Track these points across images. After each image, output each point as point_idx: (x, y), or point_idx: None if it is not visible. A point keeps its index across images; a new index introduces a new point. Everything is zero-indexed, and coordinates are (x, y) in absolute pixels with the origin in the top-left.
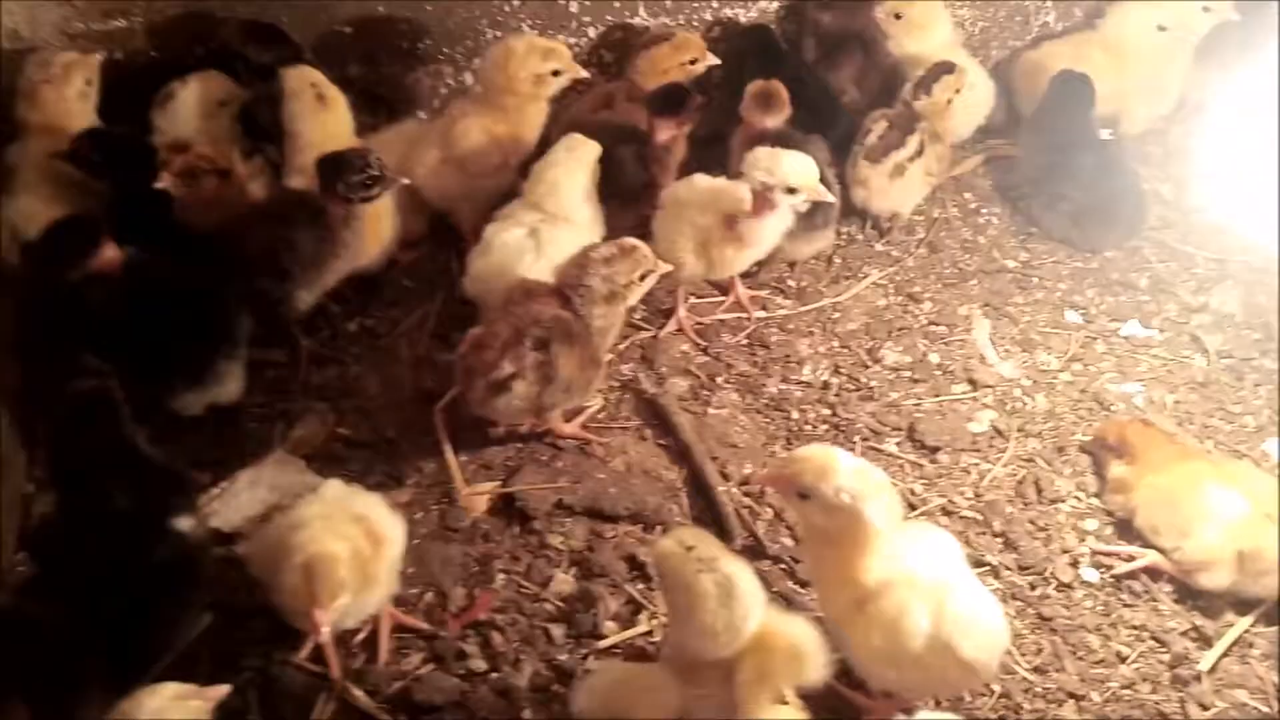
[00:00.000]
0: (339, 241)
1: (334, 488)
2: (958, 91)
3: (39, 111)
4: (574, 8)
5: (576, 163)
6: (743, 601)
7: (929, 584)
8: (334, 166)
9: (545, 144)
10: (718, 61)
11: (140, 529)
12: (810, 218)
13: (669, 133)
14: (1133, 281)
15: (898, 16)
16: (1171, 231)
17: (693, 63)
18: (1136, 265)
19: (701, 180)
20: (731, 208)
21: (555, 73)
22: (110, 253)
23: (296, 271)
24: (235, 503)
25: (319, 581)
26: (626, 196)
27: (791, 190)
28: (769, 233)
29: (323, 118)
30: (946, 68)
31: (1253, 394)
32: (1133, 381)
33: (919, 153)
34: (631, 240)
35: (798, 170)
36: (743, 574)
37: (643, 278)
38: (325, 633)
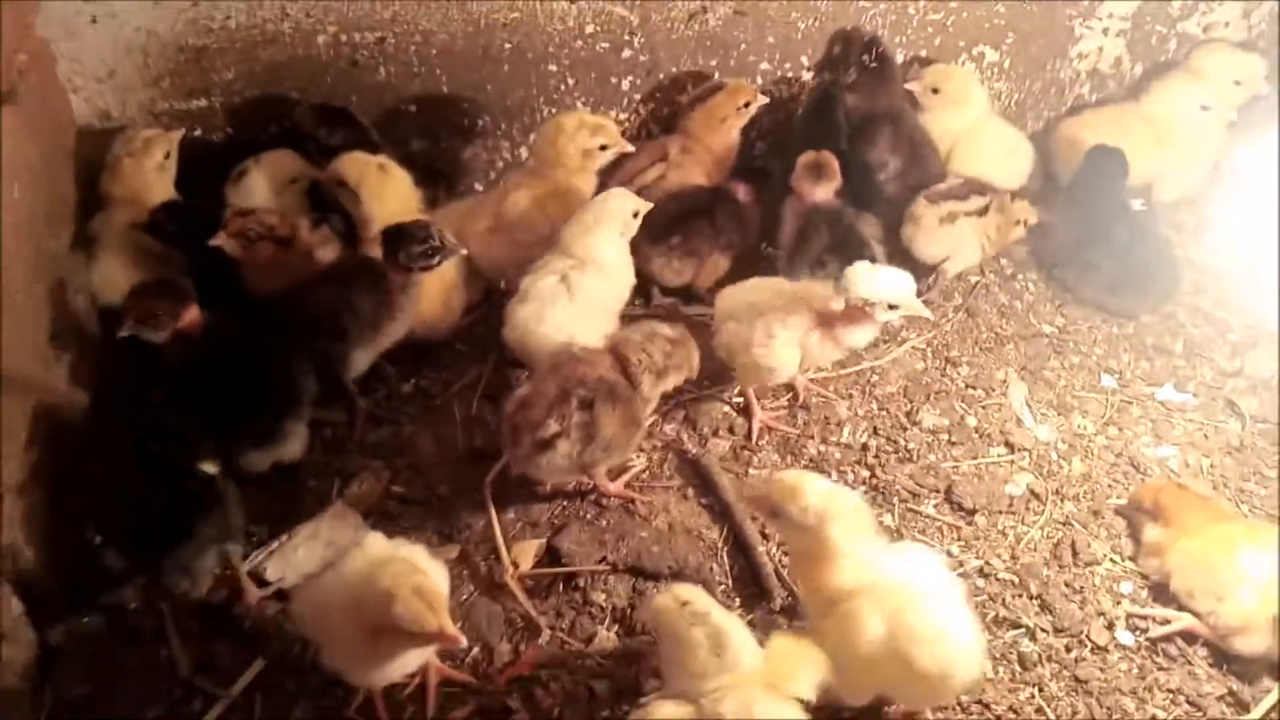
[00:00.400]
0: (396, 306)
1: (377, 541)
2: (1024, 224)
3: (120, 183)
4: (625, 85)
5: (606, 213)
6: (732, 651)
7: (893, 594)
8: (396, 237)
9: None
10: (767, 100)
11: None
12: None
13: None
14: (1168, 346)
15: (935, 91)
16: (1205, 297)
17: (746, 105)
18: (1171, 330)
19: (769, 283)
20: (822, 307)
21: (603, 147)
22: (195, 314)
23: (354, 333)
24: (293, 558)
25: (435, 597)
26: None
27: (892, 307)
28: (861, 339)
29: (385, 194)
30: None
31: None
32: (1168, 445)
33: (980, 213)
34: (686, 334)
35: (899, 290)
36: (734, 626)
37: (679, 370)
38: (462, 638)
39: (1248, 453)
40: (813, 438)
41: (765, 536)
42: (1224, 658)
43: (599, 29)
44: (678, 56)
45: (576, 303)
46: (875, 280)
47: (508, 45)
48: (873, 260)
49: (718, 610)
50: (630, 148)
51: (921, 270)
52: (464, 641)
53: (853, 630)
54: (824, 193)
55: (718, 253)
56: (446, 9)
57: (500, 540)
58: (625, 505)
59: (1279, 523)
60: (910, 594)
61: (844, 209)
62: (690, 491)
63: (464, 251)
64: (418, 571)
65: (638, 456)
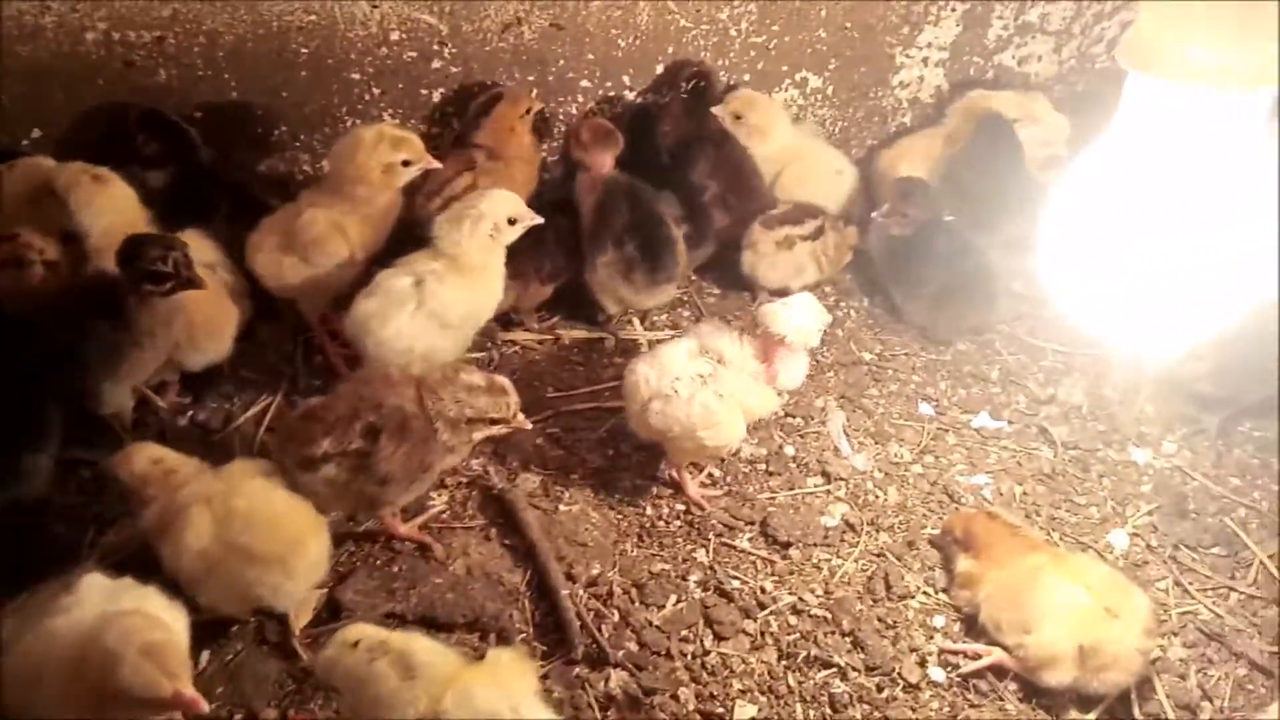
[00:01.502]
0: (139, 330)
1: (95, 584)
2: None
3: None
4: (436, 97)
5: (475, 213)
6: (423, 666)
7: None
8: (129, 251)
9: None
10: (541, 106)
11: None
12: (654, 271)
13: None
14: (984, 373)
15: (738, 118)
16: (1021, 324)
17: (528, 112)
18: (988, 357)
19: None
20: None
21: (406, 163)
22: None
23: (95, 361)
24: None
25: (170, 656)
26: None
27: (805, 334)
28: (797, 368)
29: (98, 204)
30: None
31: (1097, 485)
32: (982, 473)
33: (815, 235)
34: (506, 383)
35: (820, 310)
36: (413, 640)
37: (493, 422)
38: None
39: (1059, 480)
40: (627, 470)
41: (571, 578)
42: (1034, 691)
43: (405, 37)
44: (493, 70)
45: (427, 311)
46: (791, 314)
47: (304, 50)
48: (671, 240)
49: (391, 635)
50: (436, 164)
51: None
52: (205, 707)
53: None
54: (610, 161)
55: (538, 281)
56: (234, 9)
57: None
58: (420, 549)
59: (1086, 550)
60: None
61: (643, 186)
62: (494, 532)
63: (205, 287)
64: (149, 625)
65: (437, 495)
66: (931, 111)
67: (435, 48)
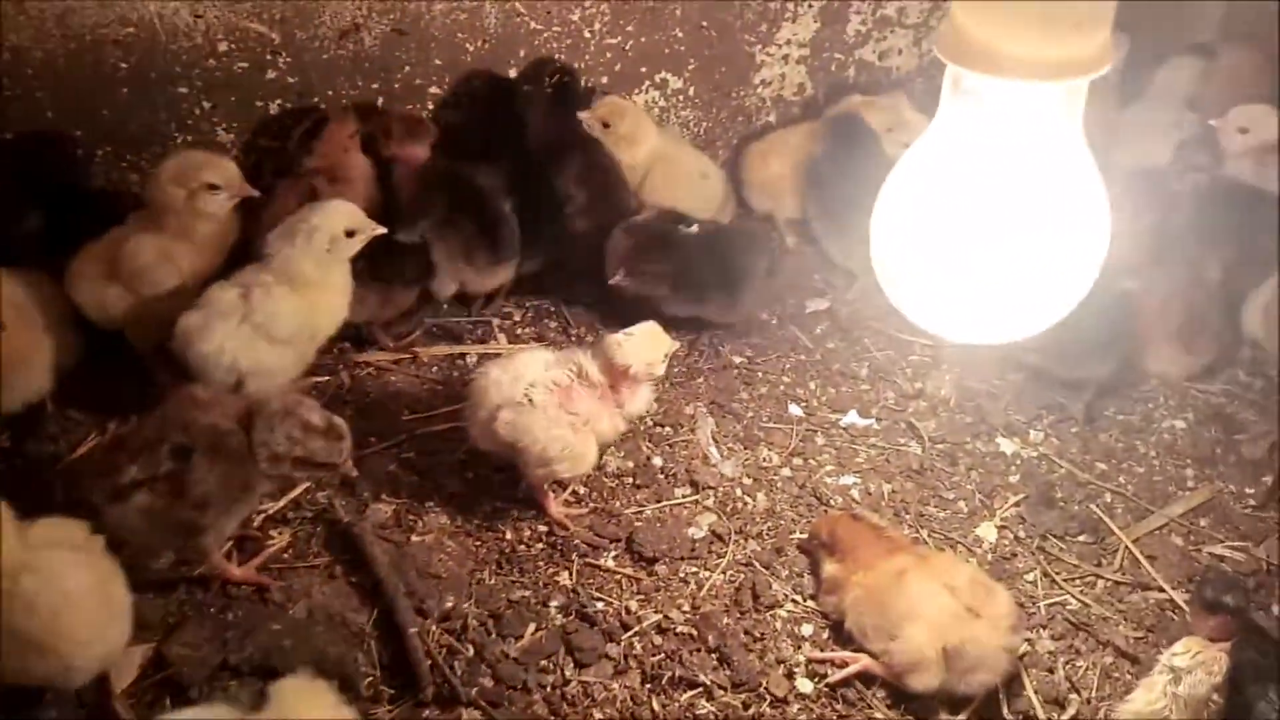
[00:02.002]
0: None
1: None
2: None
3: None
4: (274, 109)
5: (306, 225)
6: None
7: None
8: None
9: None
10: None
11: None
12: (493, 250)
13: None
14: (854, 371)
15: (606, 125)
16: (893, 319)
17: (355, 133)
18: (858, 355)
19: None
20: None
21: (213, 187)
22: None
23: None
24: None
25: None
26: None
27: (650, 364)
28: (642, 397)
29: None
30: None
31: (965, 478)
32: (850, 474)
33: None
34: (343, 428)
35: (662, 338)
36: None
37: (321, 467)
38: None
39: (927, 475)
40: (486, 494)
41: (423, 614)
42: (902, 697)
43: (234, 47)
44: (333, 78)
45: (253, 324)
46: (647, 343)
47: (124, 65)
48: (505, 216)
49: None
50: (251, 191)
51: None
52: None
53: None
54: (425, 150)
55: (401, 285)
56: (40, 23)
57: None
58: (258, 592)
59: (956, 545)
60: None
61: (459, 166)
62: (339, 569)
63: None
64: None
65: (278, 533)
66: (796, 109)
67: (268, 58)
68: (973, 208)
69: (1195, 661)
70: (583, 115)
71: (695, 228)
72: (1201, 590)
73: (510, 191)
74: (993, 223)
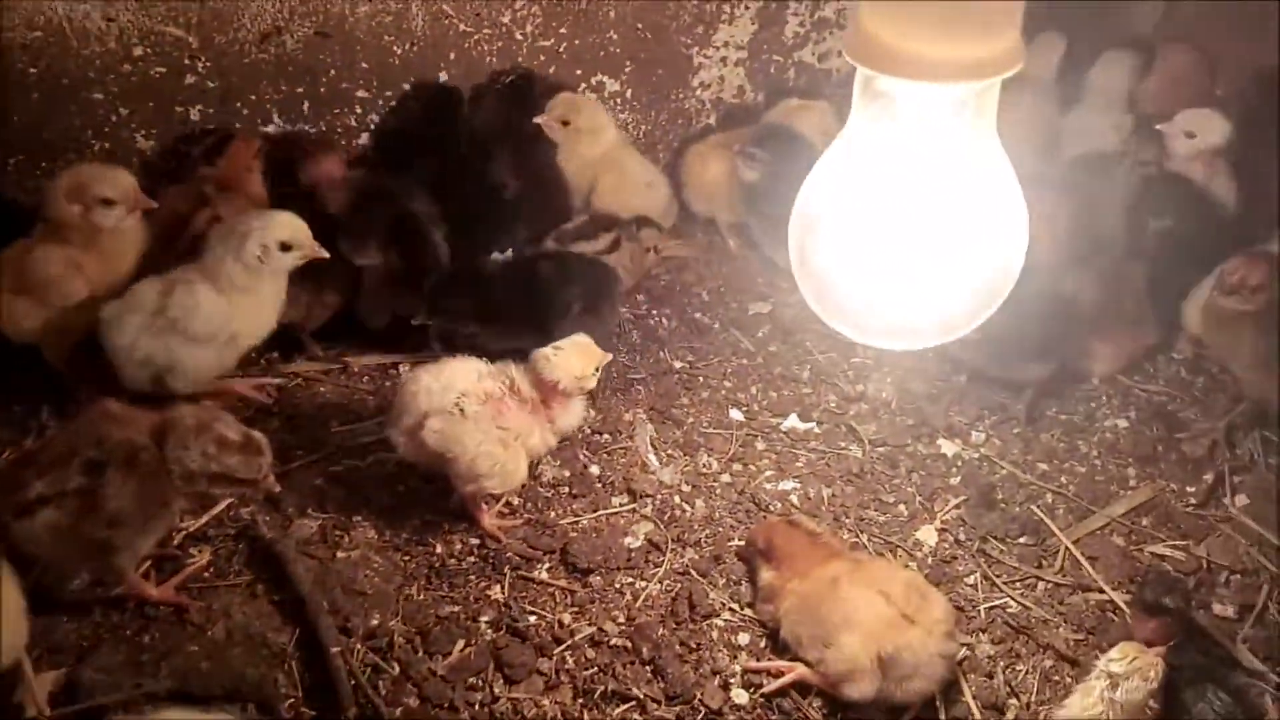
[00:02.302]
0: None
1: None
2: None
3: None
4: (194, 115)
5: (238, 232)
6: None
7: None
8: None
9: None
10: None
11: None
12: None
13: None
14: (795, 375)
15: (565, 123)
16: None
17: (259, 154)
18: (799, 358)
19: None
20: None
21: (106, 201)
22: None
23: None
24: None
25: None
26: None
27: (580, 379)
28: (574, 412)
29: None
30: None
31: (906, 481)
32: (790, 478)
33: (611, 248)
34: (263, 442)
35: (593, 352)
36: None
37: (239, 483)
38: None
39: (867, 478)
40: (417, 506)
41: (347, 632)
42: (838, 706)
43: (150, 51)
44: (255, 82)
45: (169, 319)
46: (576, 358)
47: (33, 70)
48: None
49: None
50: (150, 203)
51: None
52: None
53: None
54: (338, 165)
55: (333, 290)
56: None
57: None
58: (176, 613)
59: (895, 550)
60: None
61: (390, 185)
62: (261, 587)
63: None
64: None
65: (198, 550)
66: (737, 111)
67: (187, 62)
68: (885, 211)
69: (1132, 667)
70: (539, 119)
71: (509, 253)
72: (1141, 593)
73: (441, 203)
74: (906, 226)
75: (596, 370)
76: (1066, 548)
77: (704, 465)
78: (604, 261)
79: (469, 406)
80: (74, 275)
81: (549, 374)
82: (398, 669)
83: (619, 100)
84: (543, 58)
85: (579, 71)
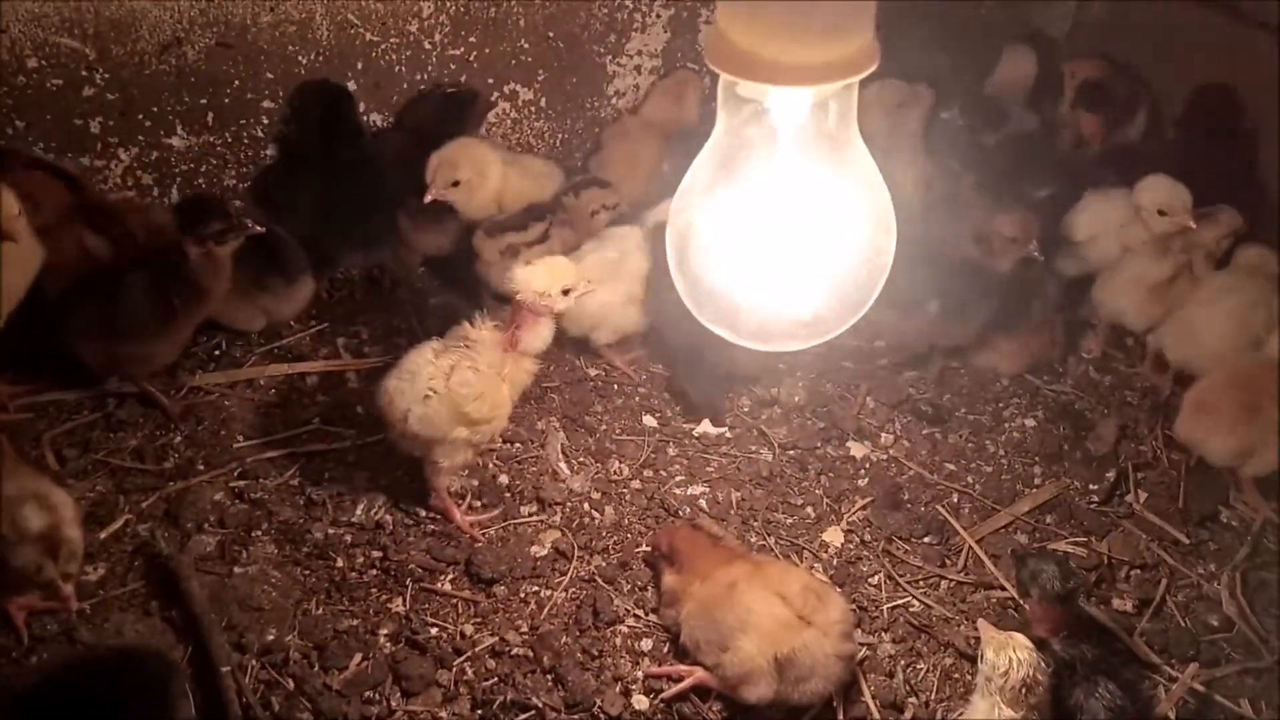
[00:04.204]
0: None
1: None
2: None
3: None
4: (95, 128)
5: None
6: None
7: None
8: None
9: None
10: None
11: None
12: (286, 268)
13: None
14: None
15: (455, 184)
16: None
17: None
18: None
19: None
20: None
21: None
22: None
23: None
24: None
25: None
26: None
27: (566, 291)
28: (543, 340)
29: None
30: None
31: (815, 483)
32: (700, 483)
33: (541, 239)
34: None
35: (563, 271)
36: None
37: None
38: None
39: (777, 482)
40: (320, 520)
41: (242, 648)
42: (738, 709)
43: (44, 63)
44: (157, 94)
45: None
46: (542, 272)
47: None
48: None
49: None
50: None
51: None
52: None
53: None
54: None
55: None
56: None
57: None
58: (66, 632)
59: (801, 553)
60: None
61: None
62: (155, 605)
63: None
64: None
65: (92, 567)
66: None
67: (84, 74)
68: (752, 214)
69: (1005, 659)
70: (430, 197)
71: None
72: (1026, 579)
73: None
74: (773, 228)
75: (567, 291)
76: (970, 546)
77: (615, 472)
78: None
79: (438, 385)
80: None
81: (509, 285)
82: (292, 684)
83: (533, 108)
84: (453, 66)
85: (490, 80)
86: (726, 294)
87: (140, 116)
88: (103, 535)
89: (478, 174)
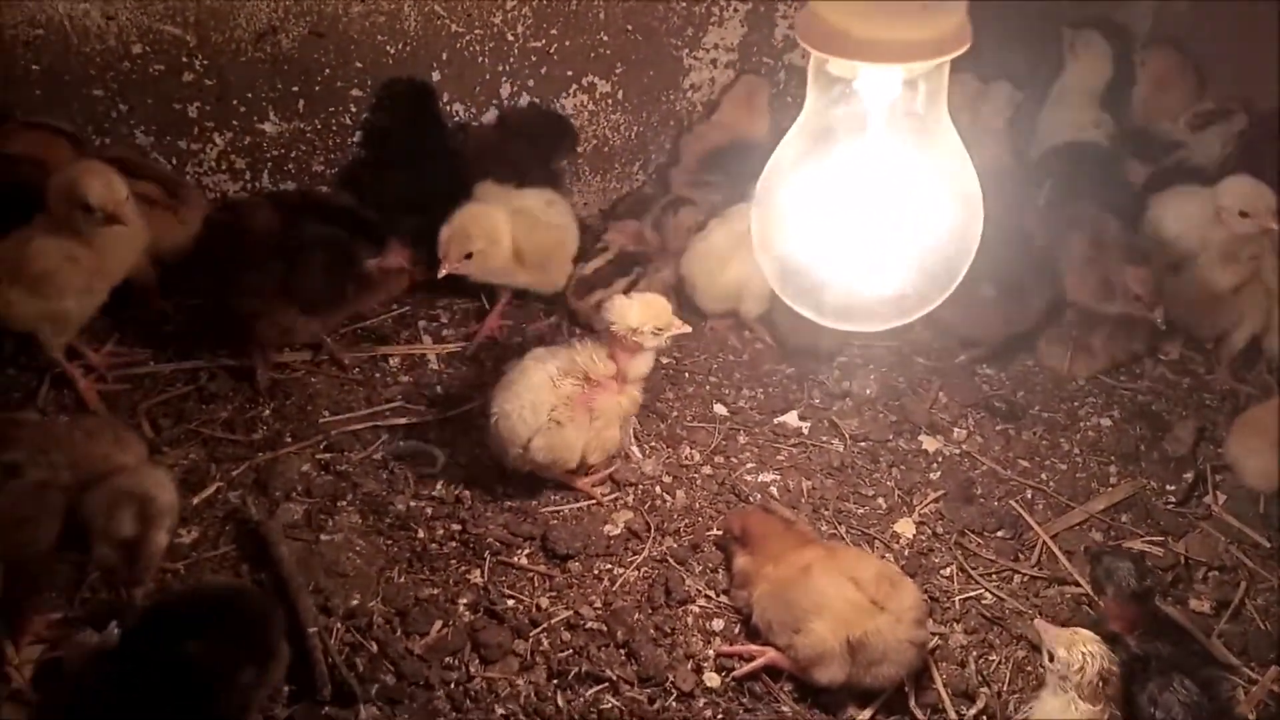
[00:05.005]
0: None
1: None
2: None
3: None
4: (193, 112)
5: None
6: None
7: None
8: None
9: None
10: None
11: None
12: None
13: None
14: (781, 371)
15: (469, 256)
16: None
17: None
18: (785, 355)
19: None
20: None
21: (86, 208)
22: None
23: None
24: None
25: None
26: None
27: (658, 331)
28: (644, 367)
29: None
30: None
31: (886, 475)
32: (770, 470)
33: (629, 288)
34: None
35: (658, 311)
36: None
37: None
38: None
39: (847, 472)
40: (402, 493)
41: (327, 611)
42: (809, 691)
43: (149, 49)
44: (251, 81)
45: None
46: (638, 309)
47: (35, 66)
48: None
49: None
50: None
51: None
52: None
53: None
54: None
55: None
56: None
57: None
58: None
59: (872, 543)
60: None
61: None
62: (246, 568)
63: None
64: None
65: (186, 531)
66: None
67: (184, 60)
68: (840, 194)
69: (1078, 655)
70: (444, 271)
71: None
72: (1103, 577)
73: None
74: (861, 208)
75: (658, 331)
76: (1044, 541)
77: (686, 457)
78: None
79: (562, 415)
80: (69, 267)
81: (605, 316)
82: (375, 648)
83: (610, 101)
84: (533, 59)
85: (569, 72)
86: (810, 272)
87: (235, 102)
88: (195, 501)
89: (490, 243)
